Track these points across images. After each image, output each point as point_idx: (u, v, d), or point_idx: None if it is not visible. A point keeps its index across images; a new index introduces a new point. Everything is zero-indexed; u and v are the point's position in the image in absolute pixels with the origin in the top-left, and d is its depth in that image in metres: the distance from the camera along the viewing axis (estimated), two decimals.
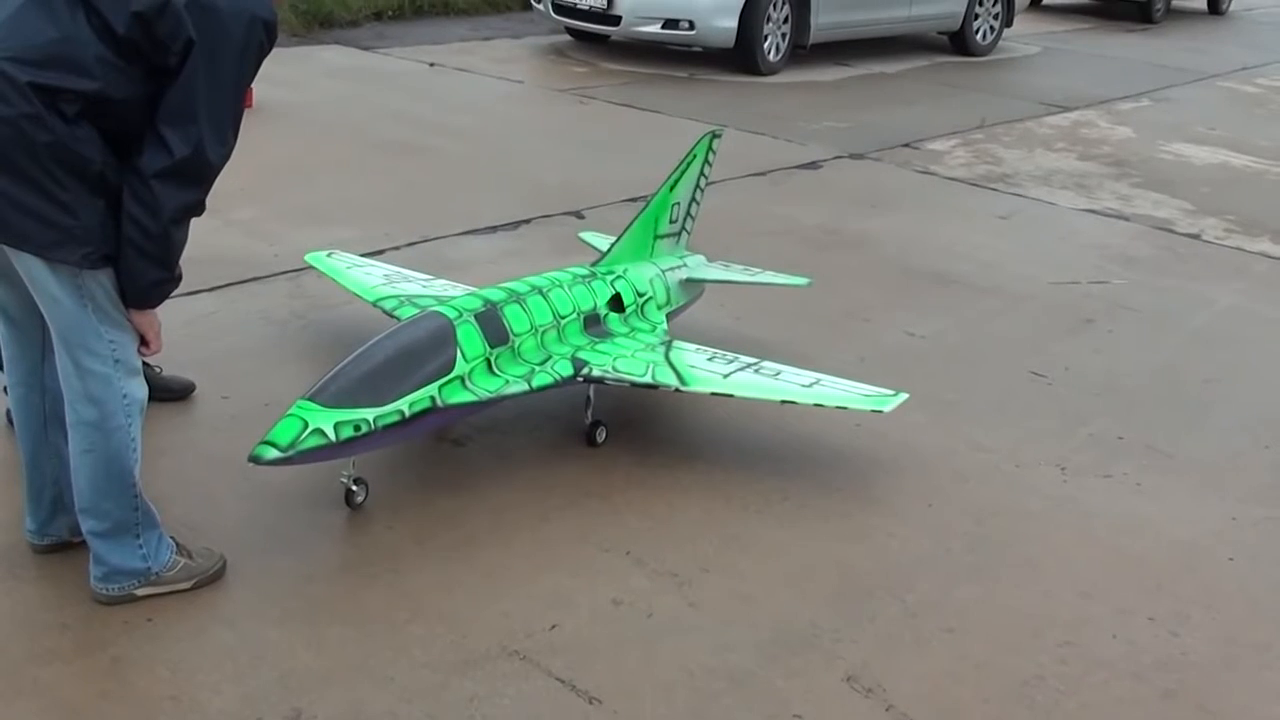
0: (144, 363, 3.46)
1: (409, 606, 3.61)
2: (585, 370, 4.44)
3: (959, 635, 3.69)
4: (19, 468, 3.70)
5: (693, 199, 5.38)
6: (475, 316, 4.26)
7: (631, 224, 5.12)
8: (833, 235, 7.41)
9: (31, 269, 3.18)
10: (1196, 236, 7.96)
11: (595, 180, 8.09)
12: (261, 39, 3.19)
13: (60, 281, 3.18)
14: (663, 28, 11.86)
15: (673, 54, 12.66)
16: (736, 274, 5.62)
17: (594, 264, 5.00)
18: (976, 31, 14.37)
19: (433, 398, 4.01)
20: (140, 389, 3.40)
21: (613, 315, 4.77)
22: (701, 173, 5.36)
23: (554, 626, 3.57)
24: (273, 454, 3.65)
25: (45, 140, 3.02)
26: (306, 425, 3.71)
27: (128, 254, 3.17)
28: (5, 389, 4.28)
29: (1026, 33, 16.03)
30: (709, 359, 4.66)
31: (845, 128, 10.28)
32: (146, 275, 3.23)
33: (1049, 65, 14.46)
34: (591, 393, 4.56)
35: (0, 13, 3.08)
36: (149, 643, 3.38)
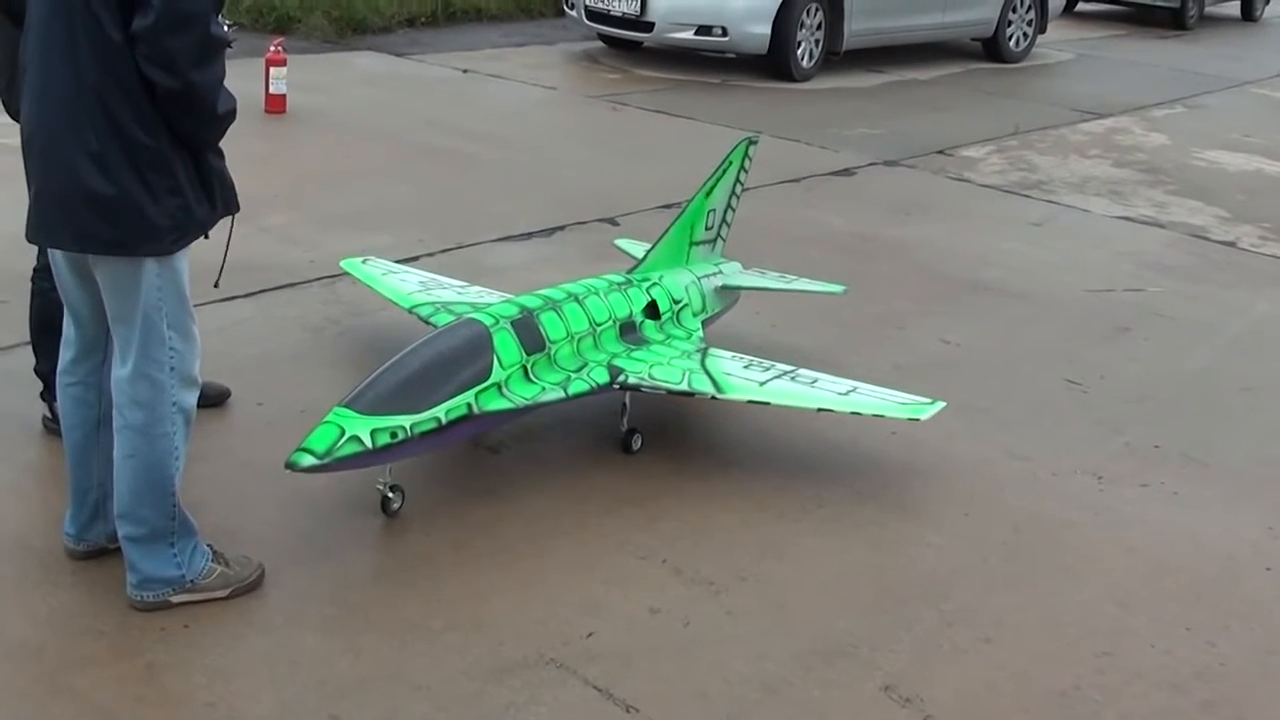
0: None
1: (445, 614, 3.61)
2: (621, 377, 4.44)
3: (996, 645, 3.67)
4: (57, 473, 3.72)
5: (728, 205, 5.37)
6: (512, 323, 4.26)
7: (667, 231, 5.12)
8: (867, 242, 7.39)
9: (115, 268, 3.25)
10: (1232, 244, 7.90)
11: (629, 187, 8.08)
12: None
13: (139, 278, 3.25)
14: (695, 34, 11.85)
15: (705, 60, 12.66)
16: (772, 281, 5.62)
17: (630, 271, 5.00)
18: (1010, 38, 14.30)
19: (469, 405, 4.01)
20: (191, 400, 3.44)
21: (648, 322, 4.77)
22: (737, 179, 5.34)
23: (590, 634, 3.57)
24: (309, 461, 3.67)
25: None
26: (343, 432, 3.72)
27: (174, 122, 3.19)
28: (42, 395, 4.32)
29: (1060, 39, 15.96)
30: (745, 366, 4.65)
31: (879, 134, 10.26)
32: (197, 134, 3.25)
33: (1082, 72, 14.39)
34: (627, 400, 4.55)
35: None
36: (186, 649, 3.39)
